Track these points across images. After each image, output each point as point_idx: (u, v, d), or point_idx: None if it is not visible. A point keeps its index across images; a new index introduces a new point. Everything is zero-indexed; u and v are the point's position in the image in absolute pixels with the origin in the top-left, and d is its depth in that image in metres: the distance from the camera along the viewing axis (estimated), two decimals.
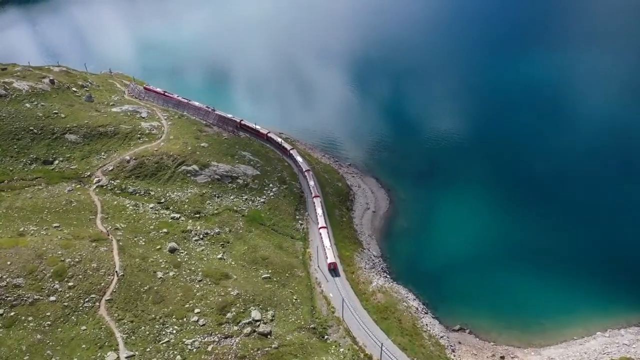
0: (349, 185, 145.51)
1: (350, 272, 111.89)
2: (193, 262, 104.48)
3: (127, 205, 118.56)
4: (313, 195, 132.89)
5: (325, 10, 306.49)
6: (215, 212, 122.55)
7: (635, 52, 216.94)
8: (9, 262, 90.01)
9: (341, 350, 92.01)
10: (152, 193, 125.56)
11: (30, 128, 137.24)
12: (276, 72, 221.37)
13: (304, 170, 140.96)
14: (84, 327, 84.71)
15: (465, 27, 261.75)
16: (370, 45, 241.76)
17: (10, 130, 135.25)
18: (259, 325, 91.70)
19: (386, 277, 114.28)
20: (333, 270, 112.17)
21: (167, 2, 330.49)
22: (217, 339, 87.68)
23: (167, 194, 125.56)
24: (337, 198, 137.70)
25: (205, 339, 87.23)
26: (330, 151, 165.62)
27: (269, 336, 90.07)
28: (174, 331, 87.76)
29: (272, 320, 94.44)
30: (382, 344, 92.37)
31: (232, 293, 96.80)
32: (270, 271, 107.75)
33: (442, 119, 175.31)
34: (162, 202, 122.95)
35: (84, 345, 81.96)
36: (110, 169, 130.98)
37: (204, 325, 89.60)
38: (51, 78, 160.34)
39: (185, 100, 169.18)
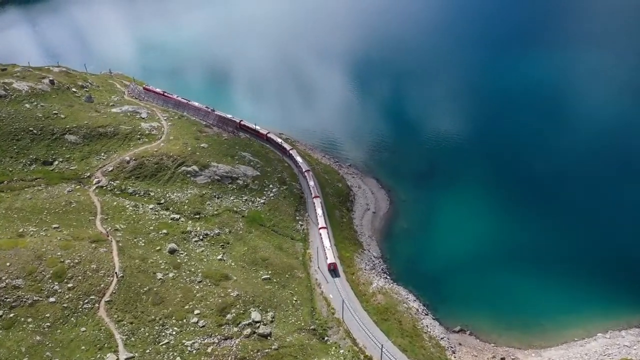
0: (349, 186, 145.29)
1: (351, 273, 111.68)
2: (193, 263, 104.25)
3: (127, 206, 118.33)
4: (313, 195, 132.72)
5: (325, 10, 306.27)
6: (215, 213, 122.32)
7: (636, 52, 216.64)
8: (8, 263, 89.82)
9: (341, 351, 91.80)
10: (152, 194, 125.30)
11: (30, 129, 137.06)
12: (276, 73, 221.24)
13: (303, 170, 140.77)
14: (83, 329, 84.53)
15: (465, 27, 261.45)
16: (371, 46, 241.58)
17: (10, 130, 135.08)
18: (259, 327, 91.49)
19: (386, 278, 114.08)
20: (333, 270, 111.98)
21: (167, 2, 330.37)
22: (216, 341, 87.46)
23: (167, 195, 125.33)
24: (337, 199, 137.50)
25: (205, 341, 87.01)
26: (330, 152, 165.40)
27: (269, 337, 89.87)
28: (174, 332, 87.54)
29: (272, 321, 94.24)
30: (382, 345, 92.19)
31: (232, 294, 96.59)
32: (270, 272, 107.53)
33: (443, 120, 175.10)
34: (161, 203, 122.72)
35: (83, 347, 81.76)
36: (110, 169, 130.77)
37: (203, 326, 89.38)
38: (51, 78, 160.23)
39: (185, 101, 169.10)
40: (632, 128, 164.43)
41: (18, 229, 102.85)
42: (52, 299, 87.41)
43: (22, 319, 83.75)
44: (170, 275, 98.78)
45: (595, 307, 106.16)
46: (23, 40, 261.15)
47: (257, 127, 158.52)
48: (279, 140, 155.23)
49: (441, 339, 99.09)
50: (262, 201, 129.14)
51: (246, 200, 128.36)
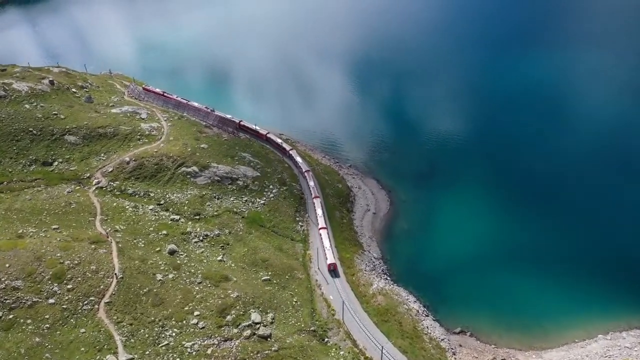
0: (349, 186, 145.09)
1: (351, 274, 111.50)
2: (193, 264, 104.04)
3: (127, 207, 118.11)
4: (313, 195, 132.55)
5: (325, 10, 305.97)
6: (215, 213, 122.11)
7: (636, 52, 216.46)
8: (7, 265, 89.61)
9: (341, 353, 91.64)
10: (152, 194, 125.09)
11: (30, 129, 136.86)
12: (276, 73, 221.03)
13: (303, 171, 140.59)
14: (83, 330, 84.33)
15: (465, 27, 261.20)
16: (371, 46, 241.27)
17: (10, 131, 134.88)
18: (258, 328, 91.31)
19: (387, 279, 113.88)
20: (333, 271, 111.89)
21: (167, 2, 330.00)
22: (216, 342, 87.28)
23: (167, 196, 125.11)
24: (337, 199, 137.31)
25: (205, 342, 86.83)
26: (330, 152, 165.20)
27: (268, 339, 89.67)
28: (174, 334, 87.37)
29: (272, 322, 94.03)
30: (382, 346, 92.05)
31: (231, 295, 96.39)
32: (270, 273, 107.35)
33: (443, 120, 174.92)
34: (161, 204, 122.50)
35: (82, 348, 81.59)
36: (109, 170, 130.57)
37: (203, 327, 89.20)
38: (51, 79, 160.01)
39: (185, 101, 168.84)
40: (632, 128, 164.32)
41: (17, 230, 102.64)
42: (51, 300, 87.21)
43: (22, 320, 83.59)
44: (170, 276, 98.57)
45: (595, 308, 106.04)
46: (23, 41, 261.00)
47: (257, 128, 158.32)
48: (279, 140, 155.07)
49: (442, 340, 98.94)
50: (262, 202, 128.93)
51: (246, 201, 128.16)
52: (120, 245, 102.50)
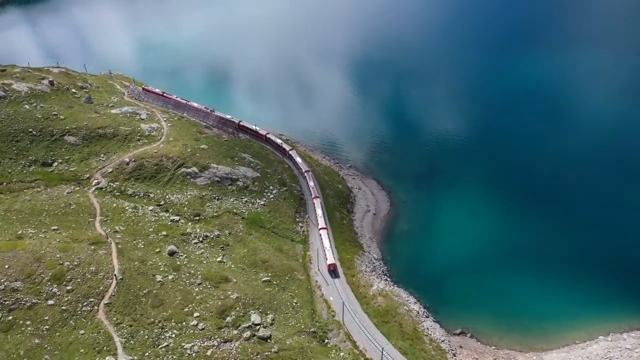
0: (349, 187, 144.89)
1: (351, 275, 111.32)
2: (192, 265, 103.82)
3: (126, 208, 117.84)
4: (313, 196, 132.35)
5: (325, 10, 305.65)
6: (215, 214, 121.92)
7: (636, 52, 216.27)
8: (7, 266, 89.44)
9: (341, 354, 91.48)
10: (152, 195, 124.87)
11: (29, 130, 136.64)
12: (276, 73, 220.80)
13: (303, 171, 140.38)
14: (82, 332, 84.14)
15: (466, 27, 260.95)
16: (371, 46, 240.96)
17: (9, 132, 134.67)
18: (258, 329, 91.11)
19: (387, 280, 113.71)
20: (333, 271, 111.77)
21: (167, 2, 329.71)
22: (216, 343, 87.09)
23: (167, 196, 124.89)
24: (337, 200, 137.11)
25: (205, 343, 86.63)
26: (330, 153, 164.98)
27: (268, 340, 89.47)
28: (173, 335, 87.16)
29: (272, 324, 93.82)
30: (382, 348, 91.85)
31: (231, 296, 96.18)
32: (270, 274, 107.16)
33: (443, 120, 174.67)
34: (161, 205, 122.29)
35: (82, 350, 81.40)
36: (109, 171, 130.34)
37: (203, 329, 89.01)
38: (50, 79, 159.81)
39: (184, 101, 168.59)
40: (632, 128, 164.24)
41: (17, 230, 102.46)
42: (51, 302, 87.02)
43: (21, 321, 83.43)
44: (170, 277, 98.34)
45: (596, 309, 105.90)
46: (23, 41, 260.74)
47: (257, 128, 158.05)
48: (279, 141, 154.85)
49: (442, 341, 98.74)
50: (262, 203, 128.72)
51: (246, 201, 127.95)
52: (119, 246, 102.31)
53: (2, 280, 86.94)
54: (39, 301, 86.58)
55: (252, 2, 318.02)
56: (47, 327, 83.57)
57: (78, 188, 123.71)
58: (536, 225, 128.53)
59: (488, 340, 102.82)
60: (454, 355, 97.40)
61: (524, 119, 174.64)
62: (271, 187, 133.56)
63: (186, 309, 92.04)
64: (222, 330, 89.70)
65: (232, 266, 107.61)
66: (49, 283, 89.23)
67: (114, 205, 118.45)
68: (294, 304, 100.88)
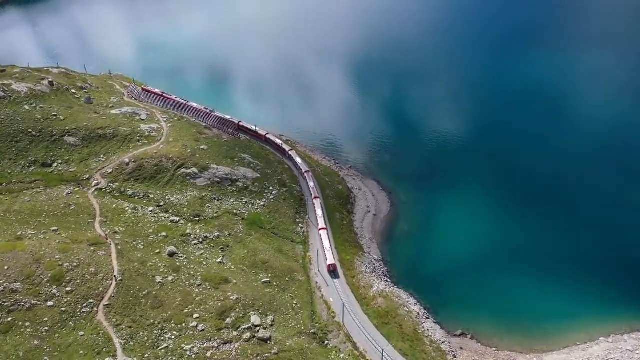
0: (349, 188, 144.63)
1: (351, 277, 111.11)
2: (192, 266, 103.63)
3: (126, 209, 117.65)
4: (313, 196, 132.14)
5: (325, 10, 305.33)
6: (215, 215, 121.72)
7: (636, 52, 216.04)
8: (6, 267, 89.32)
9: (342, 356, 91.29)
10: (152, 196, 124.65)
11: (29, 130, 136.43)
12: (277, 73, 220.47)
13: (303, 171, 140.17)
14: (81, 333, 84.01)
15: (466, 27, 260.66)
16: (371, 46, 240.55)
17: (9, 132, 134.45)
18: (258, 331, 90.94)
19: (387, 281, 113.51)
20: (333, 271, 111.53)
21: (167, 2, 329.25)
22: (216, 345, 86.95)
23: (167, 197, 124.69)
24: (337, 201, 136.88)
25: (205, 345, 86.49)
26: (330, 153, 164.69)
27: (268, 342, 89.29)
28: (173, 337, 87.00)
29: (272, 325, 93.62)
30: (383, 349, 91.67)
31: (231, 298, 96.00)
32: (270, 275, 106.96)
33: (443, 121, 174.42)
34: (161, 206, 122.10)
35: (81, 351, 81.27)
36: (109, 171, 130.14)
37: (203, 330, 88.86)
38: (50, 80, 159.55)
39: (184, 102, 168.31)
40: (632, 128, 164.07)
41: (16, 231, 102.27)
42: (50, 303, 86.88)
43: (20, 323, 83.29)
44: (170, 278, 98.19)
45: (597, 310, 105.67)
46: (23, 41, 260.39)
47: (256, 128, 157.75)
48: (278, 141, 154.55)
49: (442, 343, 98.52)
50: (262, 203, 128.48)
51: (246, 202, 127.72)
52: (119, 247, 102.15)
53: (1, 282, 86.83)
54: (39, 302, 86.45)
55: (252, 2, 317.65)
56: (46, 328, 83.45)
57: (78, 189, 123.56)
58: (536, 225, 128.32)
59: (489, 341, 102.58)
60: (455, 356, 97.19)
61: (524, 119, 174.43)
62: (271, 188, 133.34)
63: (186, 310, 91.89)
64: (222, 331, 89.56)
65: (232, 267, 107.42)
66: (49, 284, 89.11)
67: (114, 206, 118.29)
68: (294, 305, 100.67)
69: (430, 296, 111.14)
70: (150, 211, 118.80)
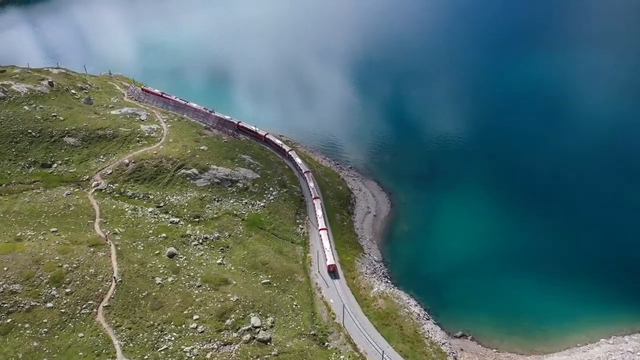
0: (349, 188, 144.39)
1: (351, 278, 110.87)
2: (192, 267, 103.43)
3: (126, 210, 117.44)
4: (313, 196, 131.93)
5: (326, 10, 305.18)
6: (215, 216, 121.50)
7: (636, 52, 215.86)
8: (5, 268, 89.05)
9: (342, 357, 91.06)
10: (151, 197, 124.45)
11: (29, 131, 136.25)
12: (277, 74, 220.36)
13: (303, 172, 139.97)
14: (81, 334, 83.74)
15: (466, 28, 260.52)
16: (372, 46, 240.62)
17: (9, 133, 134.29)
18: (258, 332, 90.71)
19: (387, 282, 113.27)
20: (332, 272, 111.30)
21: (167, 2, 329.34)
22: (216, 346, 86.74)
23: (166, 198, 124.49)
24: (337, 202, 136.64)
25: (204, 346, 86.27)
26: (330, 154, 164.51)
27: (268, 343, 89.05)
28: (173, 338, 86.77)
29: (272, 326, 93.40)
30: (383, 351, 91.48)
31: (231, 299, 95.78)
32: (270, 276, 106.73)
33: (444, 121, 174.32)
34: (161, 206, 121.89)
35: (81, 353, 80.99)
36: (109, 172, 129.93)
37: (203, 332, 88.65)
38: (50, 80, 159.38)
39: (183, 102, 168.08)
40: (632, 128, 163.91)
41: (16, 232, 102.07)
42: (49, 304, 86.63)
43: (20, 324, 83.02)
44: (169, 279, 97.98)
45: (598, 311, 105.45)
46: (23, 41, 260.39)
47: (256, 129, 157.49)
48: (278, 141, 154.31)
49: (443, 344, 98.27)
50: (262, 204, 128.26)
51: (246, 203, 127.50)
52: (119, 248, 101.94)
53: (0, 283, 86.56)
54: (38, 304, 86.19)
55: (252, 2, 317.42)
56: (45, 330, 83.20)
57: (77, 189, 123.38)
58: (537, 225, 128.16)
59: (489, 343, 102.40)
60: (455, 358, 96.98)
61: (524, 119, 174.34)
62: (271, 189, 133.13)
63: (186, 312, 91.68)
64: (222, 333, 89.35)
65: (232, 268, 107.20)
66: (48, 285, 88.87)
67: (114, 206, 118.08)
68: (294, 306, 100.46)
69: (430, 297, 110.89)
70: (150, 212, 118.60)
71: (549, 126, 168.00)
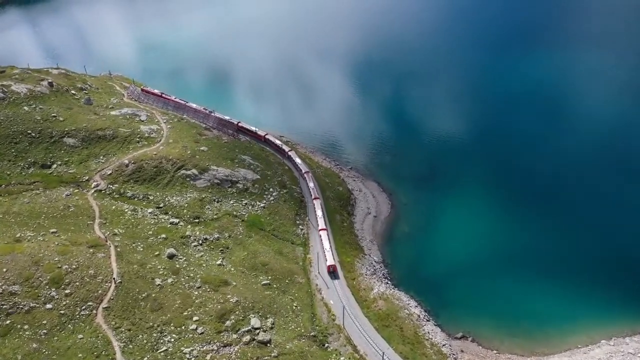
0: (350, 189, 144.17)
1: (351, 279, 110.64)
2: (192, 268, 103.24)
3: (126, 210, 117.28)
4: (313, 197, 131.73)
5: (326, 10, 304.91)
6: (215, 217, 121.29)
7: (636, 52, 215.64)
8: (4, 269, 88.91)
9: (342, 359, 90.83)
10: (151, 198, 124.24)
11: (28, 131, 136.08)
12: (277, 74, 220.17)
13: (303, 172, 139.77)
14: (80, 336, 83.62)
15: (466, 28, 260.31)
16: (372, 47, 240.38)
17: (8, 133, 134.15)
18: (258, 334, 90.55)
19: (387, 283, 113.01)
20: (332, 273, 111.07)
21: (167, 3, 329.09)
22: (215, 348, 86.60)
23: (166, 199, 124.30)
24: (337, 202, 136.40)
25: (204, 348, 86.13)
26: (331, 155, 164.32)
27: (268, 344, 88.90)
28: (172, 339, 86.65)
29: (271, 328, 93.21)
30: (383, 352, 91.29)
31: (231, 300, 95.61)
32: (270, 277, 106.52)
33: (444, 121, 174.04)
34: (161, 207, 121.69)
35: (80, 355, 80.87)
36: (108, 173, 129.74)
37: (202, 333, 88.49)
38: (50, 81, 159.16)
39: (183, 102, 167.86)
40: (632, 128, 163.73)
41: (15, 233, 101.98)
42: (49, 306, 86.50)
43: (19, 326, 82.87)
44: (169, 280, 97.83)
45: (599, 312, 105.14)
46: (23, 41, 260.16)
47: (256, 129, 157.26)
48: (278, 142, 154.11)
49: (443, 345, 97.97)
50: (262, 205, 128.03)
51: (246, 204, 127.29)
52: (118, 249, 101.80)
53: (0, 284, 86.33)
54: (37, 305, 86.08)
55: (252, 2, 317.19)
56: (45, 331, 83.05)
57: (77, 190, 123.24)
58: (537, 226, 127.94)
59: (489, 344, 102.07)
60: (456, 359, 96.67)
61: (524, 119, 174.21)
62: (271, 189, 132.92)
63: (185, 313, 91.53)
64: (222, 334, 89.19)
65: (232, 269, 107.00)
66: (47, 287, 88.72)
67: (113, 207, 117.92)
68: (294, 307, 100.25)
69: (431, 298, 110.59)
70: (149, 213, 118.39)
71: (549, 126, 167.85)
